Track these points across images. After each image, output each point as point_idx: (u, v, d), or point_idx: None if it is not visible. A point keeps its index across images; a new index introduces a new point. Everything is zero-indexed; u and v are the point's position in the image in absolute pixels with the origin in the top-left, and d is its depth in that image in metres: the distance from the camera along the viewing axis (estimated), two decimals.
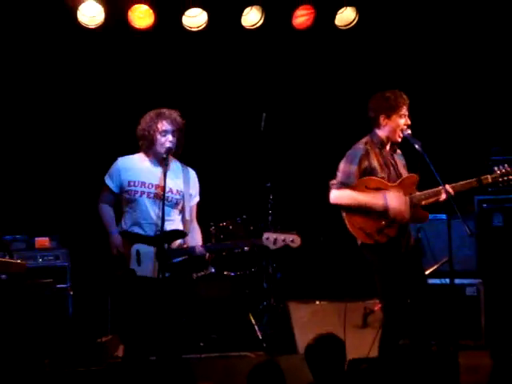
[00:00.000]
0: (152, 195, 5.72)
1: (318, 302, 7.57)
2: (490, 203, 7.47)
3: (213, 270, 7.52)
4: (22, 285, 6.62)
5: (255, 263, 7.67)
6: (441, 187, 5.70)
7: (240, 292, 7.46)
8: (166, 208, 5.64)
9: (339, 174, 5.79)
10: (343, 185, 5.74)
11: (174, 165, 5.85)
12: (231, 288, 7.46)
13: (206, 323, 7.28)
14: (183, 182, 5.79)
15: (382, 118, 5.86)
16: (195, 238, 5.77)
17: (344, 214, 5.81)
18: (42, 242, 7.44)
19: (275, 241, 5.62)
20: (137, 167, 5.79)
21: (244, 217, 7.66)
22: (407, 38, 8.54)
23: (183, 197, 5.78)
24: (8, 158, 8.16)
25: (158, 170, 5.74)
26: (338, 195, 5.75)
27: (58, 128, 8.39)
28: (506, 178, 5.85)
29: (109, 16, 7.85)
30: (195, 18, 8.10)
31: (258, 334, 7.24)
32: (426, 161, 5.64)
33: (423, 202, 5.83)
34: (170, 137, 5.76)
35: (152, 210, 5.71)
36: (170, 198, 5.72)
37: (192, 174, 5.89)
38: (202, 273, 7.49)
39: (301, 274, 8.47)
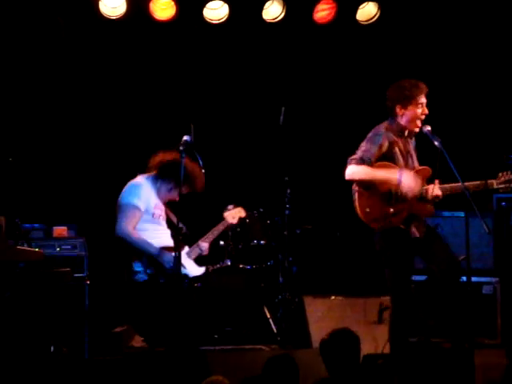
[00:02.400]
0: (162, 216, 6.11)
1: (333, 297, 7.55)
2: (508, 201, 7.43)
3: (229, 263, 7.52)
4: (40, 273, 6.65)
5: (271, 257, 7.67)
6: (459, 184, 5.70)
7: (255, 285, 7.45)
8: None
9: (358, 151, 5.82)
10: (362, 161, 5.75)
11: None
12: (247, 281, 7.46)
13: (221, 316, 7.28)
14: None
15: (398, 108, 5.89)
16: None
17: (355, 196, 5.86)
18: (60, 231, 7.45)
19: (233, 217, 6.58)
20: (153, 190, 5.95)
21: (261, 210, 7.66)
22: (428, 34, 8.50)
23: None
24: (27, 148, 8.19)
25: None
26: (354, 170, 5.76)
27: (76, 118, 8.40)
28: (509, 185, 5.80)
29: (130, 7, 7.87)
30: (216, 11, 8.12)
31: (273, 327, 7.23)
32: (446, 158, 5.64)
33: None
34: None
35: (164, 230, 6.09)
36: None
37: None
38: (218, 265, 7.49)
39: (317, 269, 8.46)
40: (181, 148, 5.75)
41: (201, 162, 5.91)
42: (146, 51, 8.42)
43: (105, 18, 7.91)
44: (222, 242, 7.62)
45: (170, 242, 6.02)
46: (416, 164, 5.94)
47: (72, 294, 6.91)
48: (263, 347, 7.04)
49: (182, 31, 8.29)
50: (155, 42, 8.37)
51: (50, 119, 8.34)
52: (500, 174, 5.80)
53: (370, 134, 5.88)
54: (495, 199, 7.39)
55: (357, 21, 8.28)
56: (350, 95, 8.75)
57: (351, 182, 5.84)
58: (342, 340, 4.72)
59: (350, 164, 5.80)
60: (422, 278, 6.79)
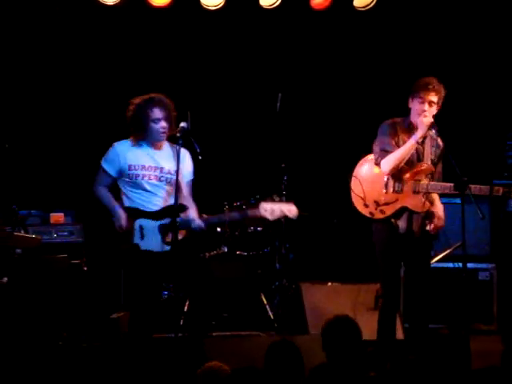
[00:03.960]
0: (152, 177, 5.85)
1: (330, 284, 7.56)
2: (505, 188, 7.43)
3: (226, 250, 7.54)
4: (37, 259, 6.66)
5: (268, 243, 7.68)
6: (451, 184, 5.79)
7: (252, 272, 7.47)
8: (165, 187, 5.85)
9: (376, 147, 5.95)
10: (384, 151, 5.89)
11: (165, 146, 5.96)
12: (244, 268, 7.47)
13: (218, 302, 7.30)
14: (176, 162, 5.74)
15: (409, 101, 5.99)
16: (192, 214, 5.87)
17: (352, 179, 5.99)
18: (57, 217, 7.47)
19: (272, 211, 5.78)
20: (134, 151, 5.87)
21: (258, 197, 7.65)
22: (425, 21, 8.48)
23: (177, 176, 5.74)
24: (24, 134, 8.18)
25: (154, 153, 5.90)
26: (385, 162, 5.86)
27: (73, 103, 8.40)
28: None
29: None
30: None
31: (270, 313, 7.26)
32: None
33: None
34: (163, 123, 5.85)
35: (151, 192, 5.86)
36: (168, 179, 5.85)
37: (184, 153, 5.92)
38: (215, 252, 7.50)
39: (314, 256, 8.48)
40: (178, 135, 5.76)
41: (198, 149, 5.90)
42: (143, 38, 8.40)
43: (101, 3, 7.88)
44: (218, 229, 7.64)
45: (148, 207, 5.94)
46: (424, 161, 5.95)
47: (69, 280, 6.92)
48: (260, 333, 7.06)
49: (179, 17, 8.27)
50: (151, 28, 8.35)
51: (47, 105, 8.33)
52: None
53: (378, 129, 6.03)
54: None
55: (354, 7, 8.26)
56: (347, 82, 8.74)
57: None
58: (345, 327, 4.73)
59: (380, 162, 5.90)
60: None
